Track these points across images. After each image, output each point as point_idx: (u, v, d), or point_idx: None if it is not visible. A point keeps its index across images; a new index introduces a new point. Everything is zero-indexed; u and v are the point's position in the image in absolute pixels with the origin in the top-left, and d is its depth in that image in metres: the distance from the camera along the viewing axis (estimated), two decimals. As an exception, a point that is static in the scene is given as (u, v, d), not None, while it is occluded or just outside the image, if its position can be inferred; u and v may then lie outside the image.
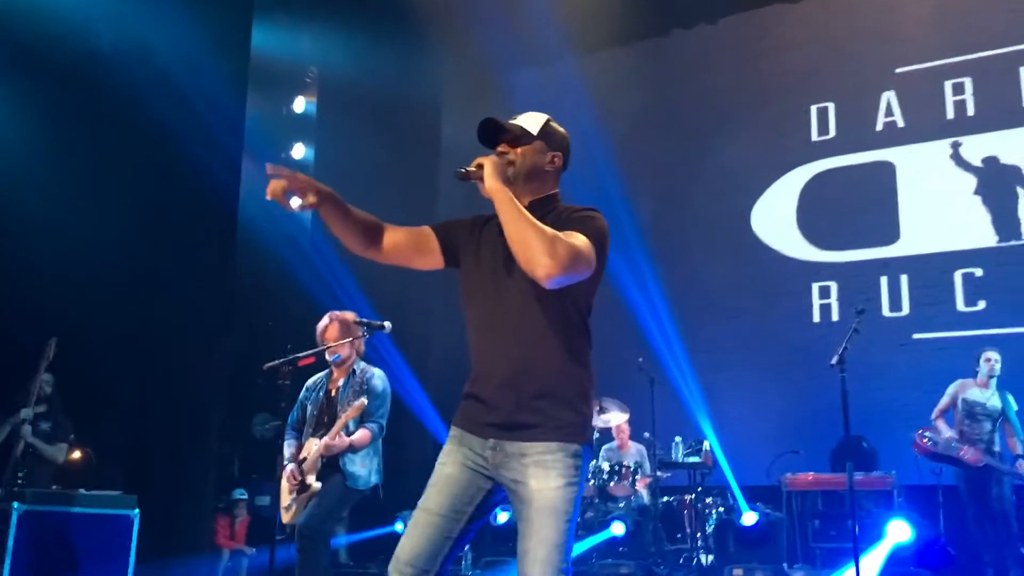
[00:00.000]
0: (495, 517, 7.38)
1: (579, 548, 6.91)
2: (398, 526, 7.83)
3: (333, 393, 5.06)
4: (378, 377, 5.07)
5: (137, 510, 5.93)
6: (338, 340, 4.99)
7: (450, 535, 2.45)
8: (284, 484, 4.94)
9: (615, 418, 7.81)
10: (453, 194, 10.06)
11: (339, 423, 4.85)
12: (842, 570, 5.99)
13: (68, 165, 7.04)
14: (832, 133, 9.17)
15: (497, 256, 2.53)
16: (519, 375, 2.47)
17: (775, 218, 9.23)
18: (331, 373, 5.16)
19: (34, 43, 7.07)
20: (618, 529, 6.95)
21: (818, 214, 9.05)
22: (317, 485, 4.82)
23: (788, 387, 8.63)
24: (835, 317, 8.71)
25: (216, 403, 7.41)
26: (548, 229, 2.37)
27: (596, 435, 7.94)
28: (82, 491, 5.88)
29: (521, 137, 2.62)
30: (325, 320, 5.10)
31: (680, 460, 7.40)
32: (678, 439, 7.48)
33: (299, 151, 10.64)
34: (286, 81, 10.52)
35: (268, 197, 2.50)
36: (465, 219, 2.78)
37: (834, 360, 5.33)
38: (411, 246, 2.70)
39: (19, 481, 5.80)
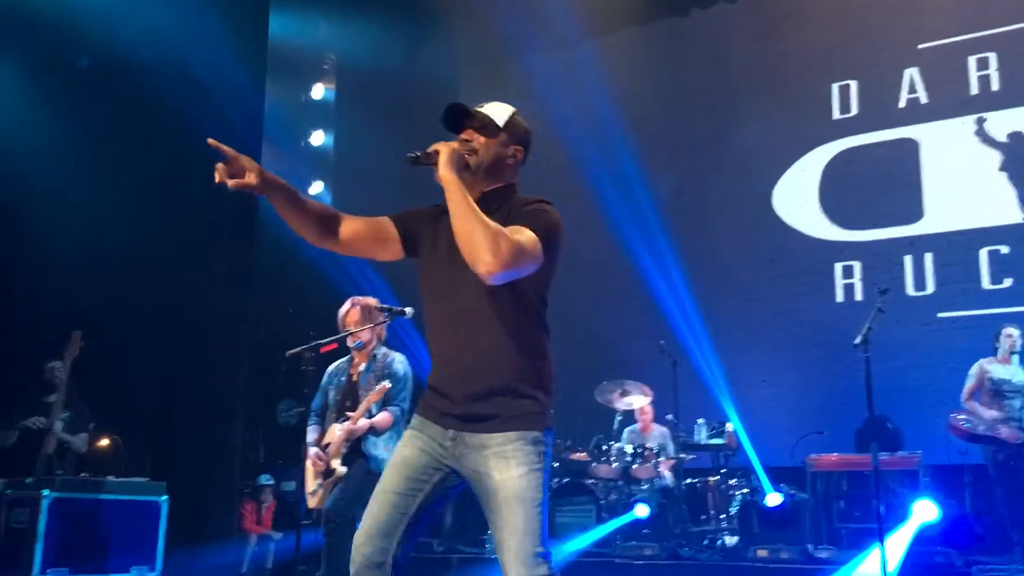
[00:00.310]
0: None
1: (603, 531, 6.92)
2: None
3: (355, 378, 5.09)
4: (399, 361, 5.09)
5: (165, 496, 6.00)
6: (360, 326, 5.01)
7: (405, 511, 2.50)
8: (309, 469, 4.98)
9: (637, 401, 7.80)
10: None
11: (362, 407, 4.88)
12: (868, 551, 5.95)
13: (89, 155, 7.10)
14: (854, 111, 9.06)
15: (453, 247, 2.46)
16: (476, 368, 2.49)
17: (797, 198, 9.15)
18: (352, 359, 5.19)
19: (55, 36, 7.12)
20: (642, 511, 6.94)
21: (841, 193, 8.96)
22: (342, 470, 4.86)
23: (811, 368, 8.58)
24: (859, 297, 8.64)
25: (240, 390, 7.46)
26: (493, 225, 2.36)
27: (619, 417, 7.94)
28: (111, 478, 5.96)
29: (487, 127, 2.61)
30: (347, 306, 5.12)
31: (703, 442, 7.38)
32: (701, 421, 7.46)
33: (318, 138, 10.66)
34: (304, 68, 10.54)
35: (216, 179, 2.44)
36: (424, 208, 2.76)
37: (858, 340, 5.28)
38: (369, 236, 2.69)
39: (57, 473, 5.88)
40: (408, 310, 4.85)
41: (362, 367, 5.09)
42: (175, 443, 7.20)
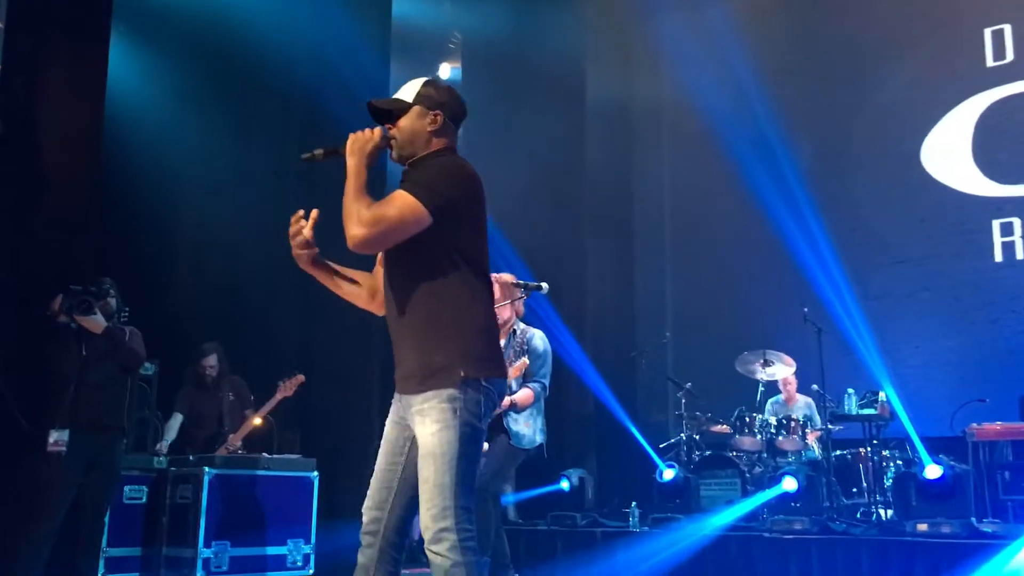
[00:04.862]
0: (661, 474, 7.31)
1: (749, 504, 6.76)
2: (563, 484, 7.88)
3: (494, 355, 5.10)
4: (538, 337, 5.07)
5: (316, 472, 6.22)
6: (499, 302, 5.02)
7: (390, 485, 2.67)
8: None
9: (780, 371, 7.56)
10: (599, 153, 9.94)
11: (502, 384, 4.89)
12: (1038, 524, 5.60)
13: (229, 143, 7.35)
14: (1009, 57, 8.47)
15: None
16: (400, 332, 2.68)
17: (948, 153, 8.63)
18: (491, 334, 5.21)
19: (188, 22, 7.40)
20: (790, 484, 6.74)
21: (997, 145, 8.39)
22: (484, 445, 4.89)
23: (970, 332, 8.13)
24: (1020, 255, 8.11)
25: (376, 371, 7.63)
26: (365, 200, 2.54)
27: (762, 388, 7.72)
28: (265, 455, 6.21)
29: (399, 111, 2.75)
30: (486, 282, 5.13)
31: (854, 412, 7.07)
32: (851, 391, 7.14)
33: (446, 118, 10.73)
34: (430, 48, 10.60)
35: (291, 231, 2.84)
36: None
37: (1025, 301, 4.93)
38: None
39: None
40: (544, 285, 4.83)
41: (501, 343, 5.10)
42: (318, 422, 7.43)
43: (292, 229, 2.83)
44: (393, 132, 2.74)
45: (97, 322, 4.79)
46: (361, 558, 2.68)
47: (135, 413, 5.70)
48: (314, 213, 2.84)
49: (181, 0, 7.40)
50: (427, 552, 2.51)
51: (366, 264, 2.94)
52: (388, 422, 2.76)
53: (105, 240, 6.18)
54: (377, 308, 2.89)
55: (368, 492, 2.72)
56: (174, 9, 7.36)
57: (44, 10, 5.69)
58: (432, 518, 2.49)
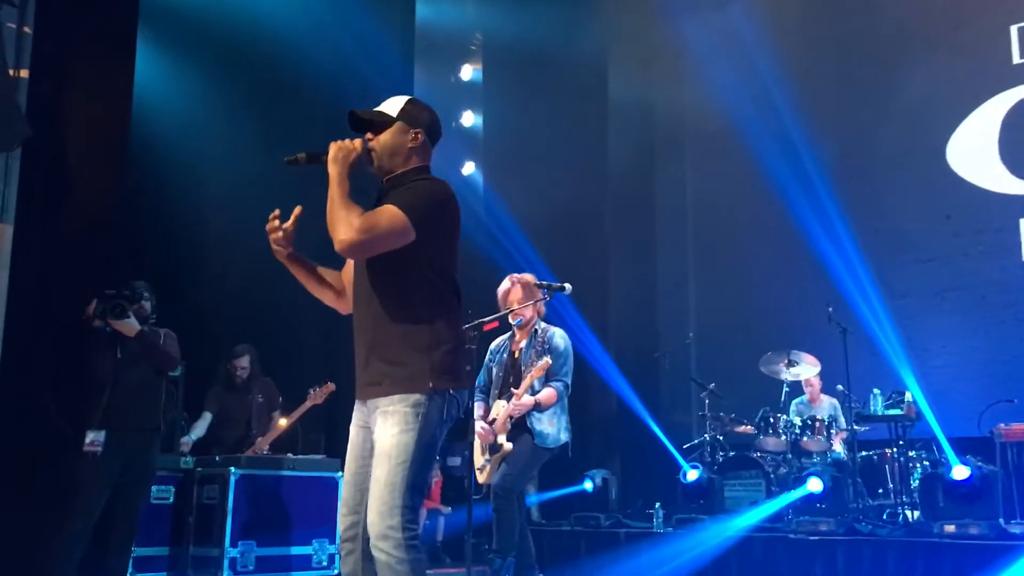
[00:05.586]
0: (684, 475, 7.29)
1: (774, 505, 6.73)
2: (587, 484, 7.88)
3: (516, 355, 5.13)
4: (559, 336, 5.09)
5: (340, 472, 6.25)
6: (521, 303, 5.04)
7: (362, 487, 2.75)
8: (477, 445, 5.06)
9: (805, 371, 7.51)
10: (621, 153, 9.93)
11: (524, 383, 4.91)
12: (1068, 526, 5.53)
13: (254, 146, 7.41)
14: (1036, 54, 8.36)
15: None
16: (368, 340, 2.78)
17: (974, 151, 8.53)
18: (513, 335, 5.23)
19: (213, 26, 7.46)
20: (815, 485, 6.70)
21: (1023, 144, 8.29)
22: (509, 446, 4.91)
23: (997, 332, 8.03)
24: (1048, 254, 8.01)
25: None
26: (355, 207, 2.65)
27: (786, 388, 7.68)
28: (290, 455, 6.26)
29: (382, 123, 2.84)
30: (507, 284, 5.14)
31: (880, 413, 7.02)
32: (876, 391, 7.08)
33: (468, 119, 10.76)
34: (452, 49, 10.64)
35: (267, 227, 2.95)
36: None
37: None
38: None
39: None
40: (567, 286, 4.84)
41: (523, 343, 5.12)
42: (341, 422, 7.47)
43: (269, 226, 2.94)
44: (373, 144, 2.84)
45: (130, 325, 4.86)
46: (344, 568, 2.78)
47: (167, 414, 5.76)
48: (296, 209, 2.97)
49: (206, 5, 7.46)
50: (372, 549, 2.60)
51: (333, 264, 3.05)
52: (352, 427, 2.87)
53: (132, 242, 6.25)
54: (343, 308, 3.03)
55: (342, 499, 2.84)
56: (199, 14, 7.42)
57: (71, 15, 5.76)
58: (380, 515, 2.59)
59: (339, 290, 3.03)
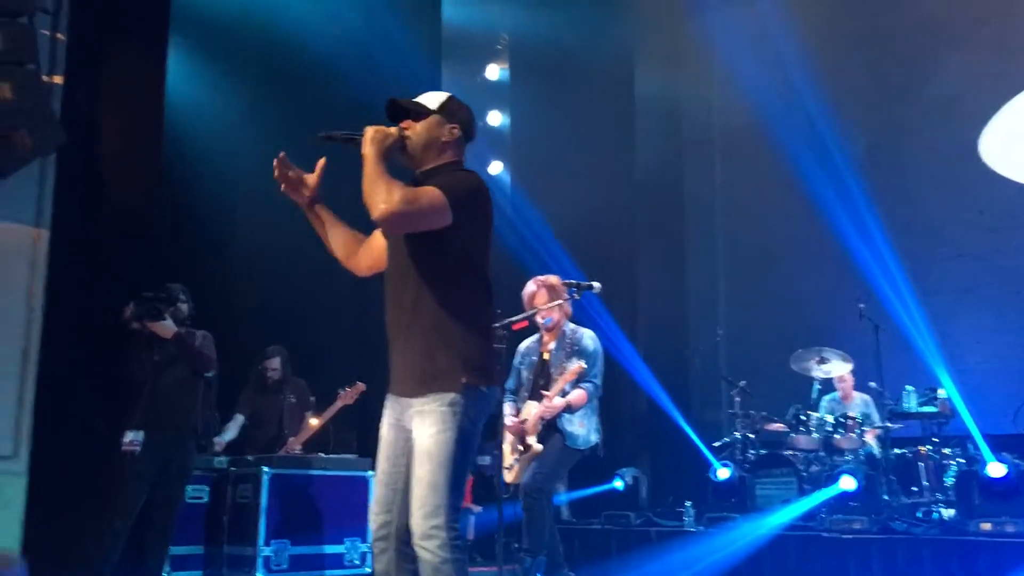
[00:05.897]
0: (715, 473, 7.26)
1: (807, 504, 6.68)
2: (617, 483, 7.87)
3: (546, 357, 5.13)
4: (588, 337, 5.09)
5: (371, 471, 6.29)
6: (547, 304, 5.03)
7: (395, 486, 2.75)
8: (507, 445, 5.08)
9: (837, 368, 7.45)
10: (649, 150, 9.89)
11: (556, 387, 4.91)
12: (1107, 523, 5.45)
13: (274, 143, 7.46)
14: (1071, 45, 8.23)
15: (397, 237, 2.80)
16: (403, 337, 2.77)
17: (1009, 144, 8.41)
18: (541, 337, 5.23)
19: (243, 30, 7.54)
20: (848, 483, 6.63)
21: (1060, 135, 8.17)
22: (539, 447, 4.91)
23: (1033, 327, 7.92)
24: (1084, 248, 7.89)
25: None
26: (395, 181, 2.64)
27: (818, 385, 7.61)
28: (321, 455, 6.31)
29: (420, 113, 2.86)
30: (531, 286, 5.13)
31: (914, 410, 6.95)
32: (910, 388, 7.02)
33: (495, 119, 10.78)
34: (478, 49, 10.67)
35: (275, 174, 2.97)
36: None
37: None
38: (381, 249, 2.95)
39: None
40: (596, 284, 4.83)
41: (552, 345, 5.12)
42: (373, 421, 7.50)
43: (276, 173, 2.97)
44: (408, 132, 2.84)
45: (167, 327, 4.94)
46: (378, 566, 2.77)
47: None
48: (321, 162, 3.00)
49: (236, 10, 7.54)
50: (416, 548, 2.60)
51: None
52: (384, 424, 2.84)
53: (165, 245, 6.33)
54: (351, 268, 3.04)
55: (374, 498, 2.82)
56: (230, 19, 7.51)
57: (104, 22, 5.84)
58: (424, 515, 2.58)
59: (349, 251, 3.02)
